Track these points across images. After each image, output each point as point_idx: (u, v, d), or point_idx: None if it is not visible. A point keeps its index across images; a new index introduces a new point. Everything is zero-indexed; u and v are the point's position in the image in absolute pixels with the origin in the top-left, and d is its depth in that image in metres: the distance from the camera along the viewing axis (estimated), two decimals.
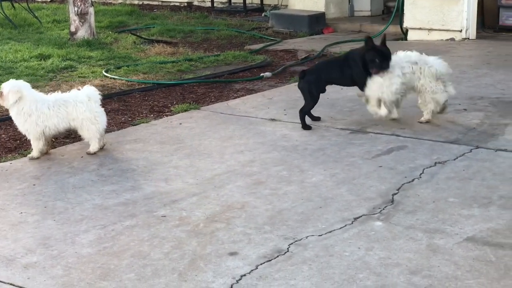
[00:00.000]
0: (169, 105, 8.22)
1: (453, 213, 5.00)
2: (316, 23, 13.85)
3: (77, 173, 6.08)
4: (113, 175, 6.01)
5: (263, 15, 15.53)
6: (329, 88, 8.65)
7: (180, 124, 7.38)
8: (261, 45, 12.20)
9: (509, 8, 12.69)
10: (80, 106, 6.38)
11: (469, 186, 5.48)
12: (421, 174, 5.76)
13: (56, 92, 6.68)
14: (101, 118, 6.49)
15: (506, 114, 7.30)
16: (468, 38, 11.98)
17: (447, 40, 12.03)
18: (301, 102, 7.91)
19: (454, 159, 6.06)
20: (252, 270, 4.31)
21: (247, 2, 16.15)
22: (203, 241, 4.72)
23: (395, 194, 5.38)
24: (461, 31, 11.98)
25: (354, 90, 8.42)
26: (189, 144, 6.70)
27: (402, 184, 5.55)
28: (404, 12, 12.47)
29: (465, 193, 5.34)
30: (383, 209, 5.11)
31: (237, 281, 4.21)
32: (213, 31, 13.68)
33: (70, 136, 6.99)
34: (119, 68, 10.15)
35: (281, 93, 8.60)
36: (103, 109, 6.59)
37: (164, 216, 5.13)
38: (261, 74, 9.71)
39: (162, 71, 9.97)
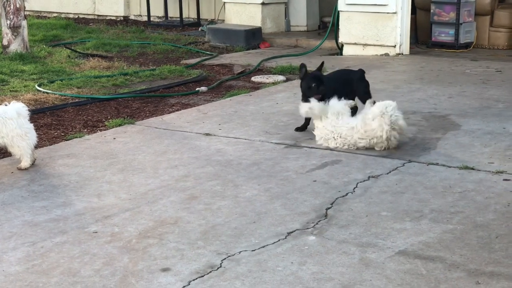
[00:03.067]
0: (103, 119, 8.13)
1: (385, 227, 5.03)
2: (252, 37, 13.89)
3: (7, 189, 5.96)
4: (44, 190, 5.90)
5: (199, 29, 15.54)
6: (265, 102, 8.71)
7: (114, 138, 7.30)
8: (198, 59, 12.18)
9: (441, 25, 12.93)
10: (10, 123, 6.26)
11: (401, 200, 5.52)
12: (354, 188, 5.79)
13: None
14: (31, 134, 6.39)
15: (438, 129, 7.39)
16: (402, 54, 12.15)
17: (381, 55, 12.17)
18: (236, 117, 7.93)
19: (387, 173, 6.11)
20: (184, 286, 4.26)
21: (183, 16, 16.13)
22: (135, 257, 4.66)
23: (329, 208, 5.39)
24: (395, 46, 12.14)
25: (289, 105, 8.48)
26: (122, 159, 6.63)
27: (336, 199, 5.57)
28: (340, 27, 12.60)
29: (398, 207, 5.38)
30: (317, 223, 5.11)
31: None
32: (149, 45, 13.62)
33: (0, 151, 6.86)
34: (52, 82, 10.01)
35: (216, 107, 8.58)
36: (32, 124, 6.49)
37: (96, 232, 5.06)
38: (197, 89, 9.68)
39: (96, 86, 9.87)
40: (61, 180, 6.14)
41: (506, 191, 5.65)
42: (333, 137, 6.80)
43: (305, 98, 7.21)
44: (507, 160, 6.37)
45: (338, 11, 12.59)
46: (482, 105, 8.39)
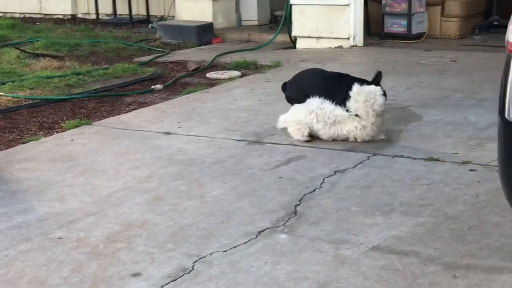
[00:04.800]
0: (59, 121, 7.93)
1: (356, 222, 4.97)
2: (204, 33, 13.76)
3: None
4: (3, 196, 5.72)
5: (150, 26, 15.34)
6: (222, 98, 8.61)
7: (72, 140, 7.13)
8: (150, 57, 12.01)
9: (393, 16, 12.93)
10: None
11: (370, 194, 5.47)
12: (321, 183, 5.72)
13: None
14: None
15: (399, 120, 7.37)
16: (356, 46, 12.14)
17: (335, 47, 12.14)
18: (195, 115, 7.82)
19: (353, 167, 6.05)
20: None
21: (133, 13, 15.91)
22: (104, 262, 4.53)
23: (298, 205, 5.31)
24: (348, 38, 12.12)
25: (247, 101, 8.40)
26: (82, 161, 6.48)
27: (304, 195, 5.49)
28: (293, 20, 12.52)
29: (367, 201, 5.33)
30: (287, 221, 5.03)
31: None
32: (99, 43, 13.40)
33: None
34: (3, 84, 9.75)
35: (174, 105, 8.45)
36: None
37: (61, 238, 4.91)
38: (152, 87, 9.53)
39: (49, 86, 9.65)
40: (20, 185, 5.97)
41: (474, 181, 5.64)
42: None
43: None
44: (471, 150, 6.37)
45: (291, 5, 12.52)
46: (440, 95, 8.39)
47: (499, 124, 3.77)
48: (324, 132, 6.71)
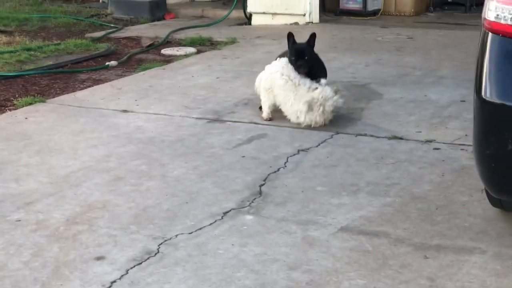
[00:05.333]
0: (12, 98, 7.69)
1: (323, 203, 4.88)
2: (157, 9, 13.54)
3: None
4: None
5: (100, 1, 15.11)
6: (179, 75, 8.45)
7: (26, 118, 6.91)
8: (103, 32, 11.77)
9: None
10: None
11: (335, 174, 5.39)
12: (285, 163, 5.62)
13: None
14: None
15: (360, 98, 7.31)
16: (312, 22, 12.05)
17: (291, 24, 12.03)
18: (152, 92, 7.67)
19: (317, 146, 5.96)
20: (122, 275, 4.02)
21: None
22: (66, 246, 4.37)
23: (262, 185, 5.21)
24: (304, 15, 12.03)
25: (204, 78, 8.25)
26: (38, 140, 6.28)
27: (268, 175, 5.39)
28: None
29: (332, 181, 5.25)
30: (252, 201, 4.93)
31: None
32: (49, 18, 13.11)
33: None
34: None
35: (130, 82, 8.27)
36: None
37: (19, 220, 4.73)
38: (107, 63, 9.31)
39: None
40: None
41: (438, 160, 5.59)
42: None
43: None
44: (434, 128, 6.32)
45: None
46: (400, 73, 8.34)
47: (476, 103, 3.70)
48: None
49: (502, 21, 3.57)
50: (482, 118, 3.67)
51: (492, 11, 3.60)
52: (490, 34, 3.64)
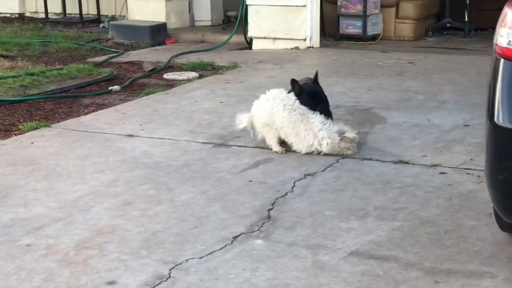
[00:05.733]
0: (17, 123, 7.71)
1: (332, 227, 4.90)
2: (157, 33, 13.62)
3: None
4: None
5: (101, 26, 15.15)
6: (183, 100, 8.49)
7: (32, 143, 6.93)
8: (104, 57, 11.82)
9: (348, 17, 12.99)
10: None
11: (343, 198, 5.41)
12: (293, 187, 5.64)
13: None
14: None
15: (364, 122, 7.34)
16: (313, 47, 12.12)
17: (291, 48, 12.10)
18: (157, 117, 7.71)
19: (323, 170, 5.99)
20: None
21: (83, 13, 15.68)
22: (76, 271, 4.38)
23: (271, 209, 5.22)
24: (305, 39, 12.10)
25: (208, 102, 8.29)
26: (44, 165, 6.29)
27: (276, 199, 5.41)
28: (248, 21, 12.45)
29: (340, 205, 5.27)
30: (261, 226, 4.94)
31: None
32: (51, 43, 13.17)
33: None
34: None
35: (134, 107, 8.30)
36: None
37: (29, 245, 4.74)
38: (110, 88, 9.35)
39: (3, 87, 9.38)
40: None
41: (445, 184, 5.62)
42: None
43: None
44: (439, 153, 6.35)
45: (247, 5, 12.44)
46: (402, 97, 8.39)
47: (488, 129, 3.73)
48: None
49: None
50: (495, 143, 3.69)
51: (504, 37, 3.64)
52: (502, 60, 3.67)
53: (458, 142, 6.65)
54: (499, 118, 3.63)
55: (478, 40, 12.93)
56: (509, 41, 3.62)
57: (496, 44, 3.72)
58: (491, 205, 4.60)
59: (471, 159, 6.11)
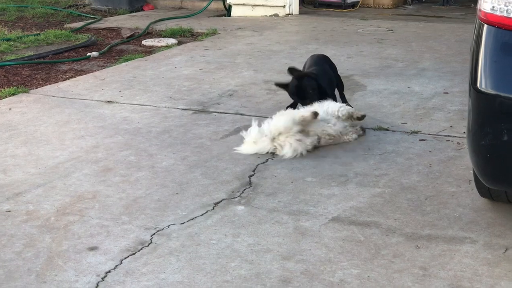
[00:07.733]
0: None
1: (313, 193, 4.91)
2: (135, 0, 13.48)
3: None
4: None
5: None
6: (162, 66, 8.44)
7: (10, 109, 6.88)
8: (82, 23, 11.72)
9: None
10: None
11: (324, 164, 5.41)
12: (273, 153, 5.64)
13: None
14: None
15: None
16: (292, 14, 12.07)
17: (271, 15, 12.04)
18: (136, 83, 7.67)
19: None
20: (116, 266, 4.02)
21: None
22: (58, 236, 4.36)
23: (252, 175, 5.22)
24: (284, 6, 12.04)
25: (188, 69, 8.25)
26: (23, 131, 6.25)
27: (257, 165, 5.41)
28: None
29: (321, 172, 5.27)
30: (242, 192, 4.94)
31: (102, 278, 3.90)
32: (27, 8, 13.04)
33: None
34: None
35: (113, 73, 8.24)
36: None
37: (9, 211, 4.71)
38: (88, 54, 9.28)
39: None
40: None
41: (425, 151, 5.63)
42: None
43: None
44: (418, 120, 6.36)
45: None
46: (382, 65, 8.39)
47: (471, 94, 3.73)
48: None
49: (498, 13, 3.60)
50: (478, 109, 3.70)
51: (487, 3, 3.63)
52: (485, 25, 3.67)
53: (438, 109, 6.67)
54: (482, 83, 3.63)
55: (456, 8, 12.96)
56: (493, 7, 3.61)
57: (480, 10, 3.72)
58: (471, 171, 4.64)
59: (451, 126, 6.13)
